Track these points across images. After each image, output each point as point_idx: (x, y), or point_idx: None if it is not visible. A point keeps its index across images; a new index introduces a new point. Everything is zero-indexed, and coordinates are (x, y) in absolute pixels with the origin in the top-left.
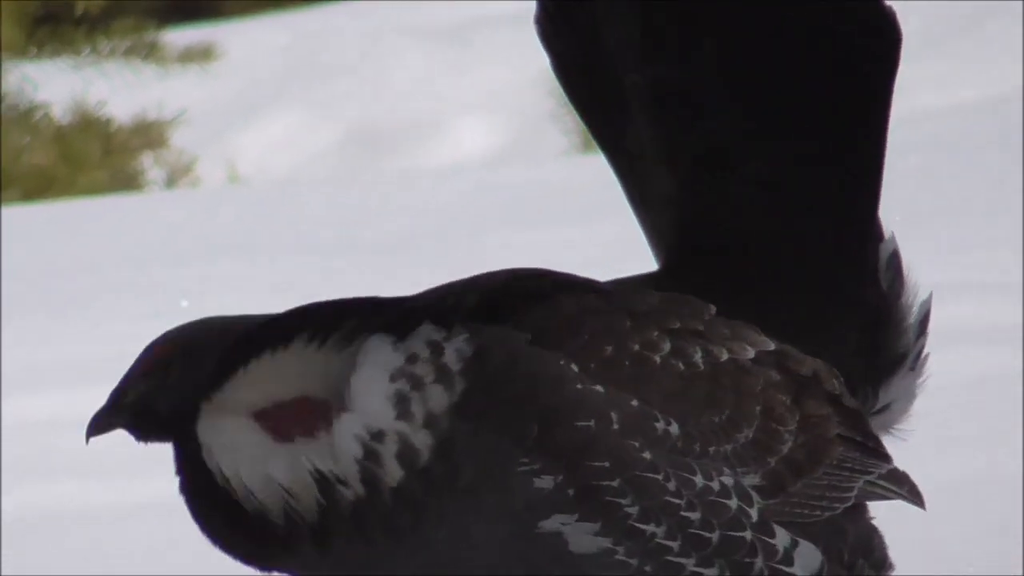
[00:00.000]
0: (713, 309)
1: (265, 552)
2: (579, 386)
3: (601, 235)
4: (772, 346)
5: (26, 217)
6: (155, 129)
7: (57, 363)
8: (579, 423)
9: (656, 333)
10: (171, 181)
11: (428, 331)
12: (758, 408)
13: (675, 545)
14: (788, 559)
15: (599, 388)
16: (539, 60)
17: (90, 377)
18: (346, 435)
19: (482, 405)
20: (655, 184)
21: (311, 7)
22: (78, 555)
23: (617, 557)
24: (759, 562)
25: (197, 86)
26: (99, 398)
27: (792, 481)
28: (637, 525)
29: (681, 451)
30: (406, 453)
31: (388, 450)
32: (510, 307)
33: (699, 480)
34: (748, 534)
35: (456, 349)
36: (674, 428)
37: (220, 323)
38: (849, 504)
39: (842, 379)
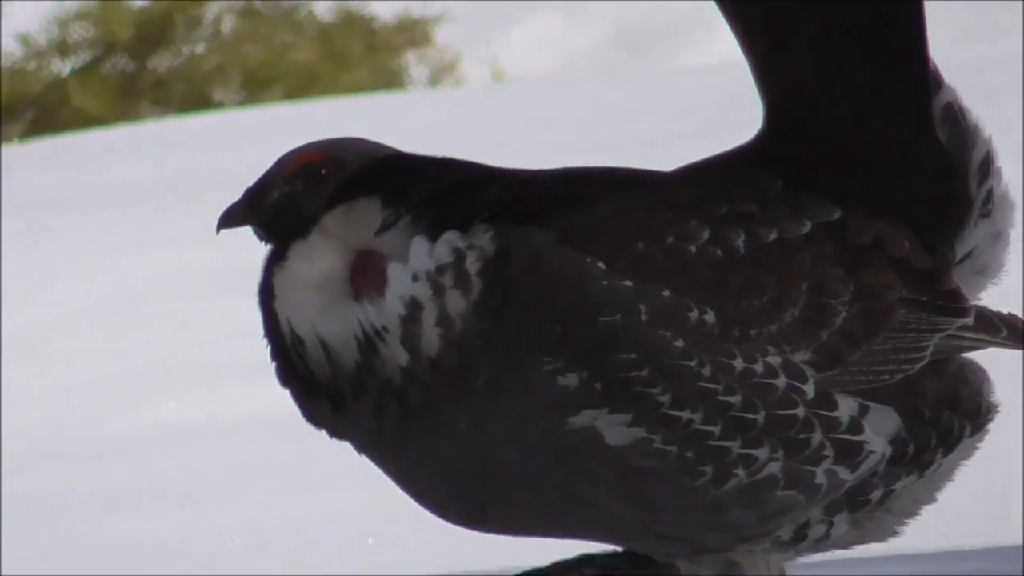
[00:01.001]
0: (779, 184)
1: (328, 421)
2: (605, 282)
3: None
4: (836, 215)
5: (291, 115)
6: (419, 27)
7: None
8: (603, 318)
9: (694, 223)
10: (435, 79)
11: (452, 238)
12: (805, 285)
13: (716, 430)
14: (856, 427)
15: (628, 283)
16: None
17: None
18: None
19: (501, 306)
20: (752, 51)
21: None
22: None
23: (655, 446)
24: (817, 435)
25: None
26: None
27: (850, 351)
28: (671, 413)
29: (720, 337)
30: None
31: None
32: (548, 206)
33: (739, 364)
34: (800, 411)
35: (480, 247)
36: (710, 316)
37: (366, 146)
38: (924, 362)
39: (911, 239)
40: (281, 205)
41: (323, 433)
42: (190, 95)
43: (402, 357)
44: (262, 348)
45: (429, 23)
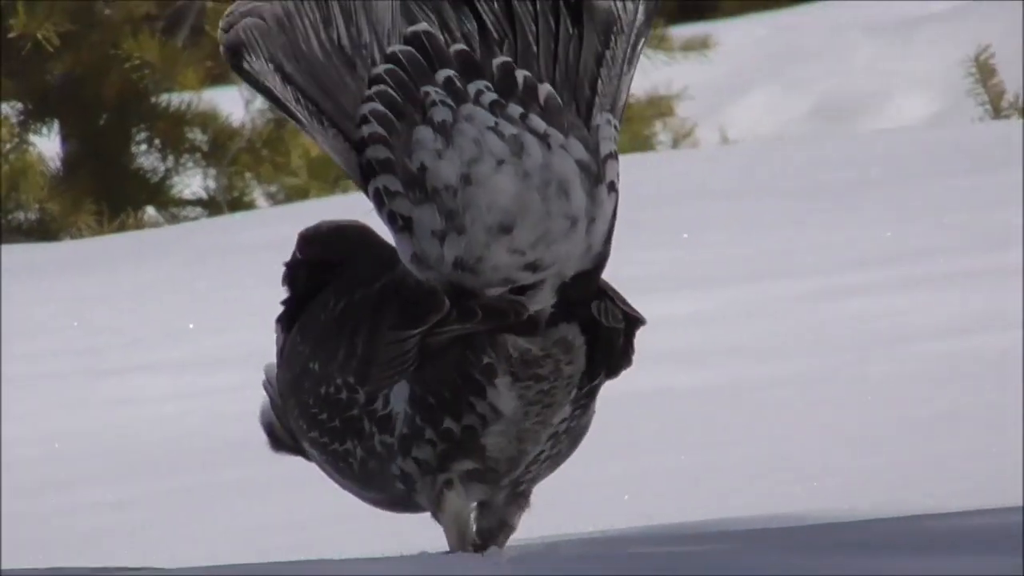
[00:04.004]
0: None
1: None
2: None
3: (1009, 179)
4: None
5: None
6: (664, 102)
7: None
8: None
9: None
10: (676, 143)
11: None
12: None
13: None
14: (387, 404)
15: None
16: (962, 49)
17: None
18: None
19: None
20: None
21: (787, 8)
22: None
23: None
24: (367, 423)
25: (697, 69)
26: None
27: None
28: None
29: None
30: None
31: None
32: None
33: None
34: (357, 411)
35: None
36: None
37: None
38: (415, 362)
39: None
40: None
41: None
42: None
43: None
44: None
45: (672, 99)
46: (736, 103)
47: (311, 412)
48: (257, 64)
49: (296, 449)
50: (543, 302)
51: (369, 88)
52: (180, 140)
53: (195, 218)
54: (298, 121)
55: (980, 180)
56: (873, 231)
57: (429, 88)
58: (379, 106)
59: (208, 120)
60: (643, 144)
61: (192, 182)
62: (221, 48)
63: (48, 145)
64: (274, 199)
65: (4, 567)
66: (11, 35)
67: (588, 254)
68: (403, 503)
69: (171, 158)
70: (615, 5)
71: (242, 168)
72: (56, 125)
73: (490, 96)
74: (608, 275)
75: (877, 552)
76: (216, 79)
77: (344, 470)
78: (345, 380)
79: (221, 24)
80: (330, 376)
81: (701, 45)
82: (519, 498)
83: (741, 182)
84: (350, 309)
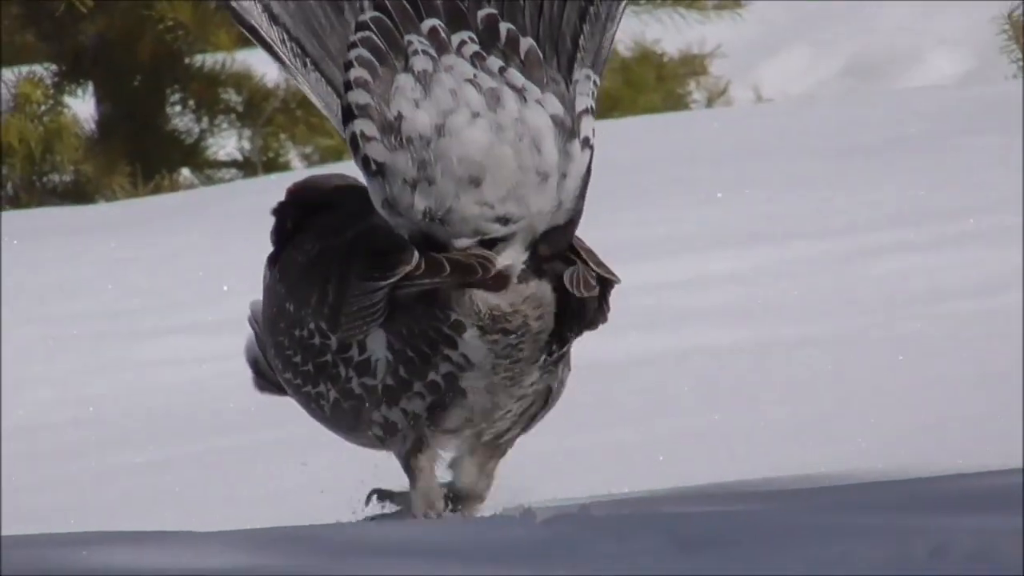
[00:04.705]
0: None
1: None
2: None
3: None
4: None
5: (599, 130)
6: (698, 61)
7: (637, 243)
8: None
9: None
10: (710, 102)
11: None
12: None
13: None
14: (363, 350)
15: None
16: (994, 6)
17: (656, 252)
18: None
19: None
20: None
21: None
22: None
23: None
24: (342, 368)
25: (730, 28)
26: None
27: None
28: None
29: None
30: None
31: None
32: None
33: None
34: (330, 356)
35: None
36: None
37: (328, 180)
38: (384, 313)
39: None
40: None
41: None
42: None
43: None
44: None
45: (706, 57)
46: (769, 62)
47: (286, 353)
48: (246, 3)
49: (279, 386)
50: (513, 257)
51: (355, 33)
52: (214, 101)
53: (230, 180)
54: (281, 62)
55: (1012, 139)
56: (906, 190)
57: (413, 37)
58: (364, 52)
59: (242, 81)
60: (677, 103)
61: (227, 143)
62: None
63: (82, 107)
64: (309, 160)
65: (41, 531)
66: None
67: (560, 209)
68: (373, 445)
69: (205, 119)
70: None
71: (277, 129)
72: (90, 87)
73: (472, 47)
74: (643, 233)
75: (907, 511)
76: (249, 40)
77: (315, 411)
78: (318, 325)
79: None
80: (303, 320)
81: (734, 4)
82: (495, 451)
83: (775, 141)
84: (325, 255)
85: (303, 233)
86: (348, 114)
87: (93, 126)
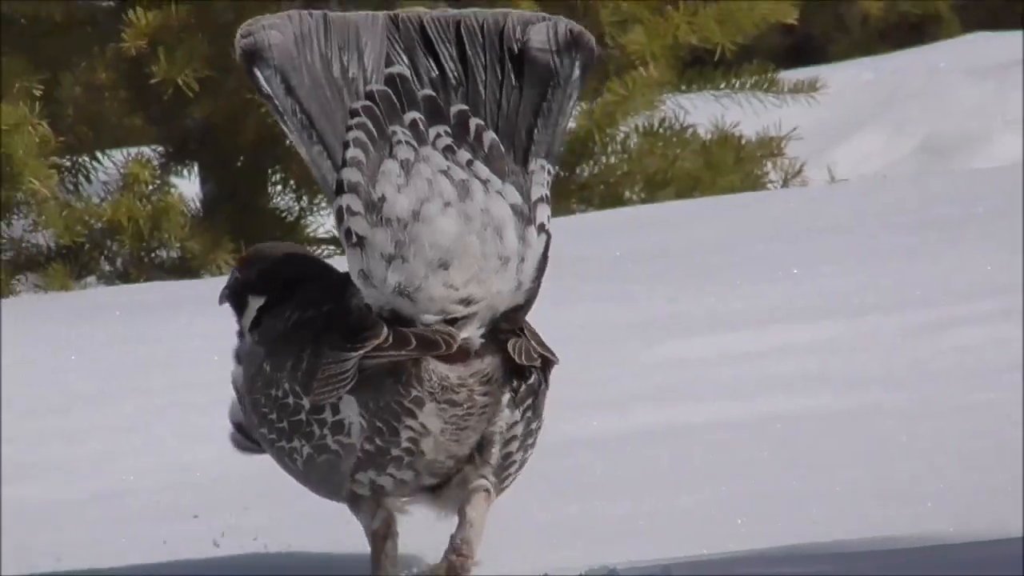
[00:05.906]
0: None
1: None
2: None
3: None
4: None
5: (681, 210)
6: (774, 143)
7: (719, 316)
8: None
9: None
10: (786, 182)
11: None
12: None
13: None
14: (336, 411)
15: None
16: None
17: (711, 327)
18: None
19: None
20: None
21: (891, 53)
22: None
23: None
24: (316, 428)
25: (805, 111)
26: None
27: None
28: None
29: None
30: None
31: None
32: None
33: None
34: (304, 416)
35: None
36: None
37: (281, 249)
38: (353, 380)
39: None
40: (232, 288)
41: None
42: (606, 195)
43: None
44: None
45: (782, 140)
46: (843, 143)
47: (262, 411)
48: (266, 72)
49: (259, 446)
50: (472, 332)
51: (351, 118)
52: (313, 181)
53: (327, 256)
54: (288, 129)
55: None
56: (977, 265)
57: (397, 127)
58: (360, 134)
59: None
60: (754, 183)
61: (325, 221)
62: (237, 50)
63: (188, 187)
64: None
65: None
66: (153, 80)
67: (519, 290)
68: (344, 500)
69: (305, 198)
70: (553, 60)
71: None
72: (195, 167)
73: (446, 140)
74: (721, 309)
75: (983, 574)
76: None
77: (288, 465)
78: (292, 387)
79: (241, 30)
80: (279, 380)
81: (809, 88)
82: (482, 494)
83: (849, 218)
84: (301, 324)
85: (283, 304)
86: (340, 188)
87: (198, 205)
